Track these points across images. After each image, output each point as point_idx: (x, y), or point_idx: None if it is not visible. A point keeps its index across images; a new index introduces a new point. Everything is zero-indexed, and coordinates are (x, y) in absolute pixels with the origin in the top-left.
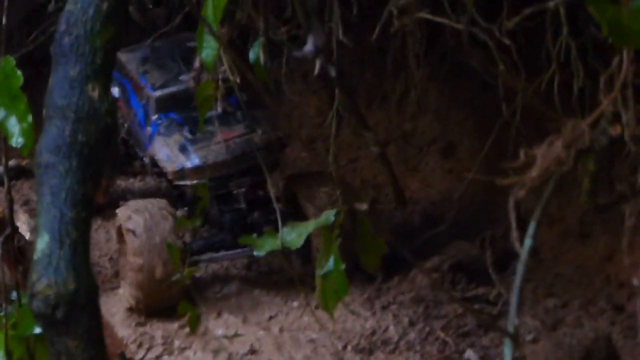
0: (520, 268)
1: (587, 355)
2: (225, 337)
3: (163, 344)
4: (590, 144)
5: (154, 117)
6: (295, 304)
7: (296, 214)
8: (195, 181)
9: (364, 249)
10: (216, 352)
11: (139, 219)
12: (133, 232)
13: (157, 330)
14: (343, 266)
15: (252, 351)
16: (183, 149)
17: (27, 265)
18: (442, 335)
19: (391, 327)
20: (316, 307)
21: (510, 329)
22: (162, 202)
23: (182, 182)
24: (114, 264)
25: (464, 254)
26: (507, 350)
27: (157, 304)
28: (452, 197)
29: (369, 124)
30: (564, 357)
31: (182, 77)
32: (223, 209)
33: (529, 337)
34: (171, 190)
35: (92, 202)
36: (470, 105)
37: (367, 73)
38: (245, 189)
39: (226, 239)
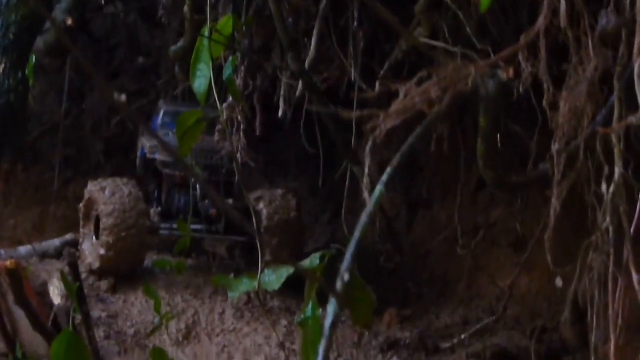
0: (364, 217)
1: None
2: None
3: None
4: (475, 88)
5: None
6: None
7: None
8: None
9: (354, 303)
10: None
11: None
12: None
13: None
14: (320, 312)
15: None
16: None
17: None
18: None
19: None
20: None
21: (339, 285)
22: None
23: (152, 156)
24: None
25: (511, 343)
26: (330, 309)
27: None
28: (518, 291)
29: None
30: None
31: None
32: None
33: None
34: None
35: None
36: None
37: (442, 165)
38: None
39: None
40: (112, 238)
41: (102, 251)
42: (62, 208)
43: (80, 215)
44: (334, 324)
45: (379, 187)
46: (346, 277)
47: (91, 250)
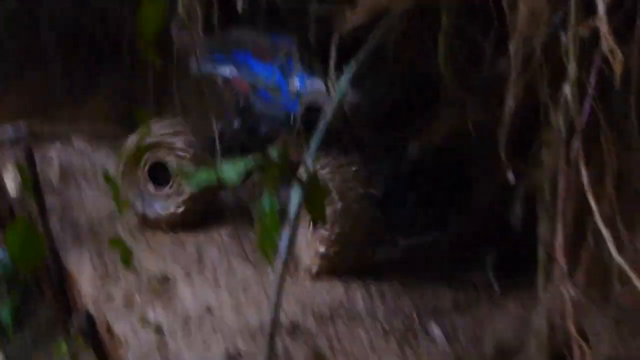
0: (328, 110)
1: None
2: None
3: (124, 300)
4: None
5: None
6: (270, 272)
7: None
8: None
9: (308, 196)
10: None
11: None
12: None
13: (120, 287)
14: (277, 206)
15: (208, 310)
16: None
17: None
18: (412, 310)
19: (360, 299)
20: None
21: (303, 174)
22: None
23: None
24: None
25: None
26: (295, 197)
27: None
28: None
29: None
30: None
31: None
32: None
33: None
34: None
35: None
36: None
37: None
38: None
39: None
40: None
41: None
42: (17, 98)
43: None
44: (298, 212)
45: (343, 81)
46: (310, 166)
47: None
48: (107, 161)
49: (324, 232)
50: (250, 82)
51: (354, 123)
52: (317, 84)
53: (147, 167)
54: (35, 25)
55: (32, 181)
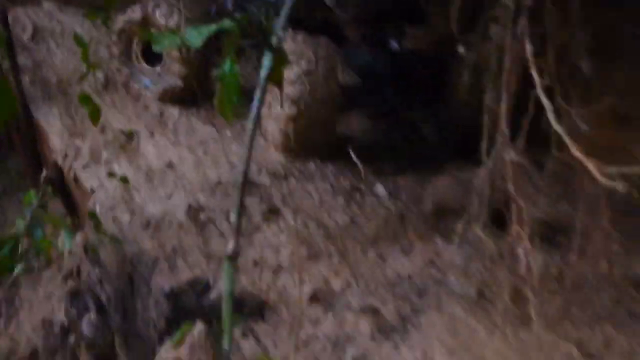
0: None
1: None
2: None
3: (91, 154)
4: None
5: None
6: (228, 133)
7: None
8: None
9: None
10: (137, 165)
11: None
12: None
13: (87, 143)
14: (237, 69)
15: (170, 165)
16: None
17: None
18: (358, 172)
19: (312, 162)
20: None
21: (274, 41)
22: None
23: None
24: (64, 79)
25: None
26: (266, 62)
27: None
28: None
29: None
30: None
31: None
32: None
33: None
34: None
35: None
36: None
37: None
38: None
39: None
40: None
41: None
42: None
43: None
44: (268, 76)
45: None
46: (281, 33)
47: None
48: (74, 23)
49: (288, 111)
50: None
51: (336, 14)
52: None
53: (140, 46)
54: None
55: (5, 39)
